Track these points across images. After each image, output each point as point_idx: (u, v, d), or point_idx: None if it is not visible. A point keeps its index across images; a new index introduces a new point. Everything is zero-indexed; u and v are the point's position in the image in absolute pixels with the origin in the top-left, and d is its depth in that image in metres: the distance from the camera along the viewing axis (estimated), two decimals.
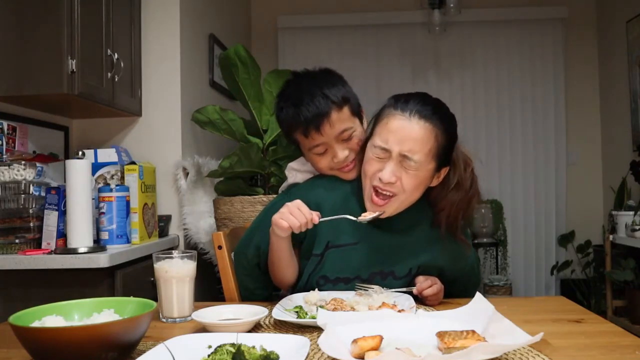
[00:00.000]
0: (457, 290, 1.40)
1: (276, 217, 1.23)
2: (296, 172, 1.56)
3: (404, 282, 1.35)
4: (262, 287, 1.45)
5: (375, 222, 1.34)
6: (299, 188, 1.46)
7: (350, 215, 1.30)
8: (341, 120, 1.38)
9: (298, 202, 1.24)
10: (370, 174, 1.29)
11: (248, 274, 1.44)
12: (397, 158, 1.26)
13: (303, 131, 1.39)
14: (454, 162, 1.34)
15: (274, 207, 1.42)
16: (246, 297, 1.47)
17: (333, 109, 1.37)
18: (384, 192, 1.28)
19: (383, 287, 1.29)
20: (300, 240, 1.41)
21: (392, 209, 1.30)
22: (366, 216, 1.28)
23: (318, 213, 1.24)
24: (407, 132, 1.25)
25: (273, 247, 1.34)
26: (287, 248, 1.34)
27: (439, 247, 1.36)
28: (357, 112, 1.43)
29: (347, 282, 1.35)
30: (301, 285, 1.39)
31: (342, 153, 1.39)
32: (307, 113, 1.37)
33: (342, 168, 1.42)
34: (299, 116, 1.38)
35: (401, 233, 1.36)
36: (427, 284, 1.29)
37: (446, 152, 1.30)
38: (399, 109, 1.28)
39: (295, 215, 1.21)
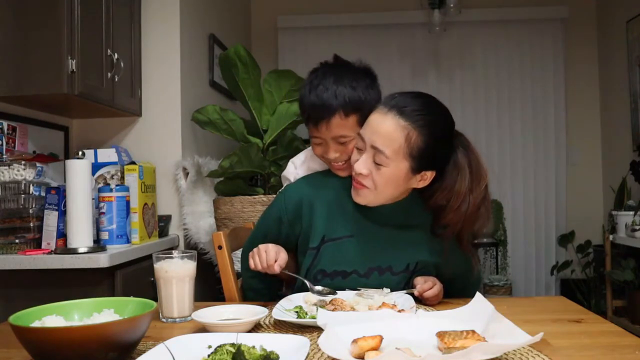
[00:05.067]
0: (456, 289, 1.40)
1: (250, 254, 1.32)
2: (294, 173, 1.57)
3: (402, 277, 1.35)
4: (268, 287, 1.48)
5: (370, 215, 1.35)
6: (292, 188, 1.46)
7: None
8: (341, 126, 1.34)
9: (267, 247, 1.31)
10: (352, 163, 1.31)
11: (254, 275, 1.45)
12: (370, 151, 1.26)
13: (304, 119, 1.41)
14: (462, 176, 1.28)
15: (271, 208, 1.46)
16: (252, 297, 1.48)
17: (336, 114, 1.33)
18: (358, 181, 1.29)
19: (381, 284, 1.29)
20: (296, 239, 1.43)
21: (366, 199, 1.31)
22: (321, 292, 1.27)
23: (280, 264, 1.28)
24: (378, 125, 1.25)
25: None
26: None
27: (436, 244, 1.36)
28: (364, 122, 1.36)
29: (344, 277, 1.35)
30: (300, 281, 1.39)
31: (333, 154, 1.38)
32: (312, 105, 1.35)
33: (332, 164, 1.42)
34: (306, 103, 1.37)
35: (397, 228, 1.36)
36: (428, 286, 1.29)
37: (425, 155, 1.25)
38: (382, 104, 1.28)
39: (261, 259, 1.29)
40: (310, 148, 1.53)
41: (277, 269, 1.28)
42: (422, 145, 1.24)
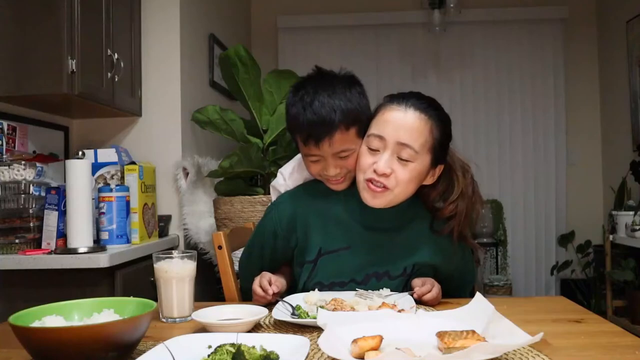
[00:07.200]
0: (452, 288, 1.40)
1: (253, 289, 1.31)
2: (284, 185, 1.54)
3: (400, 281, 1.35)
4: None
5: (366, 222, 1.35)
6: (284, 201, 1.44)
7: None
8: (343, 141, 1.30)
9: (263, 277, 1.30)
10: (365, 166, 1.29)
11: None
12: (393, 148, 1.26)
13: (302, 139, 1.34)
14: (453, 170, 1.35)
15: (264, 221, 1.45)
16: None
17: (338, 130, 1.29)
18: (378, 184, 1.27)
19: (379, 288, 1.29)
20: (292, 251, 1.42)
21: (385, 201, 1.29)
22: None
23: (280, 290, 1.29)
24: (403, 122, 1.27)
25: None
26: None
27: (432, 245, 1.37)
28: (363, 132, 1.33)
29: (342, 286, 1.35)
30: (300, 284, 1.39)
31: (334, 170, 1.34)
32: (311, 123, 1.29)
33: (330, 180, 1.37)
34: (303, 122, 1.31)
35: (394, 232, 1.36)
36: (427, 289, 1.28)
37: (441, 149, 1.31)
38: (395, 102, 1.30)
39: (257, 292, 1.28)
40: (297, 157, 1.51)
41: (270, 298, 1.27)
42: (440, 138, 1.30)
